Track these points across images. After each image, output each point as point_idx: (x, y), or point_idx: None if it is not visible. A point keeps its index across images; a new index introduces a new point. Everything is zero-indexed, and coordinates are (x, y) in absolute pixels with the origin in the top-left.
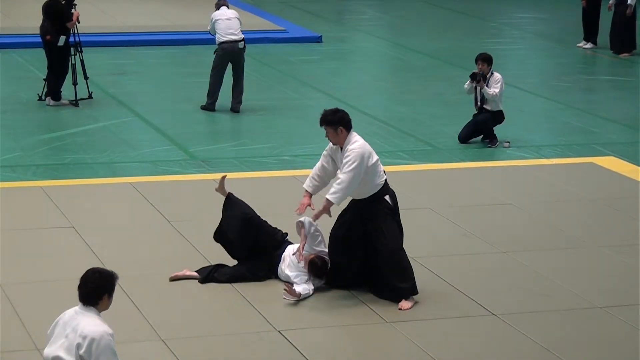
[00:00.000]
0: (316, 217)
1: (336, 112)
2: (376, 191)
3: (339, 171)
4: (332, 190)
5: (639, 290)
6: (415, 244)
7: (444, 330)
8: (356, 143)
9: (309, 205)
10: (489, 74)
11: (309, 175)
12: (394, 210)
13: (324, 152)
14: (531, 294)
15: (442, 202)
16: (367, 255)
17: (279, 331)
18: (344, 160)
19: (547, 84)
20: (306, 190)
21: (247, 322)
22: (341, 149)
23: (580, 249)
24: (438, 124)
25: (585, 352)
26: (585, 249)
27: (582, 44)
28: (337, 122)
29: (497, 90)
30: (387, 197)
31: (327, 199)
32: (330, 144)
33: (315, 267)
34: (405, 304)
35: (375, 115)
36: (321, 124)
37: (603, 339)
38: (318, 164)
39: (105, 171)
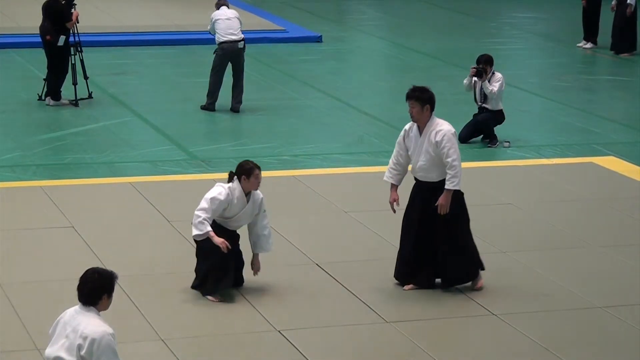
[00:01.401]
0: (444, 209)
1: (427, 90)
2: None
3: (448, 159)
4: (449, 179)
5: (639, 290)
6: None
7: (444, 330)
8: (445, 125)
9: (397, 199)
10: (491, 74)
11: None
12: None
13: (398, 140)
14: (531, 294)
15: None
16: (428, 239)
17: (279, 331)
18: (445, 145)
19: (547, 84)
20: (392, 184)
21: (247, 322)
22: (418, 128)
23: (580, 249)
24: None
25: (585, 352)
26: (585, 249)
27: (582, 44)
28: (426, 100)
29: (495, 89)
30: None
31: (448, 189)
32: (405, 128)
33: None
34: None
35: (375, 115)
36: (409, 99)
37: (603, 339)
38: (394, 154)
39: (105, 171)
